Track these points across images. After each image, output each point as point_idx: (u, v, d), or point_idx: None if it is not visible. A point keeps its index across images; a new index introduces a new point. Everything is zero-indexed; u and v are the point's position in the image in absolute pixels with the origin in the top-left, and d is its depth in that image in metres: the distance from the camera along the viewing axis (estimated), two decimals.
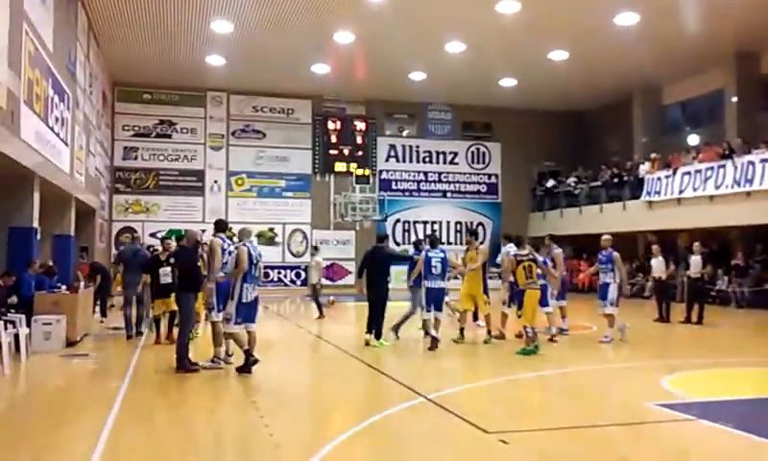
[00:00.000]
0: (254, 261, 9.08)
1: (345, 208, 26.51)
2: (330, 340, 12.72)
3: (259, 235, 27.47)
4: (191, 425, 6.53)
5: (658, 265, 16.23)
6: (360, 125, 28.30)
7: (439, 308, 11.63)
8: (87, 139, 19.94)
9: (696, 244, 16.23)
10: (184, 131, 27.20)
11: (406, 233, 29.17)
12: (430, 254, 11.67)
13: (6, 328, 9.30)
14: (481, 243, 14.56)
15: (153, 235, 25.80)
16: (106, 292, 15.90)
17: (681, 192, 21.03)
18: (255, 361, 8.92)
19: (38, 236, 13.23)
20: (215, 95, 27.35)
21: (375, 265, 11.82)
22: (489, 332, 12.10)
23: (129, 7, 19.03)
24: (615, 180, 24.74)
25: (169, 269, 11.49)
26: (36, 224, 13.00)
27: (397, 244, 28.29)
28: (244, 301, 8.99)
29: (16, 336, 9.63)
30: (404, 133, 29.69)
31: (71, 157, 16.98)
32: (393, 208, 28.69)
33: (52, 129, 14.31)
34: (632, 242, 25.49)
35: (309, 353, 12.18)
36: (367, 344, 11.47)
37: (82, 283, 13.03)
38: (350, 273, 27.05)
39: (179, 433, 6.23)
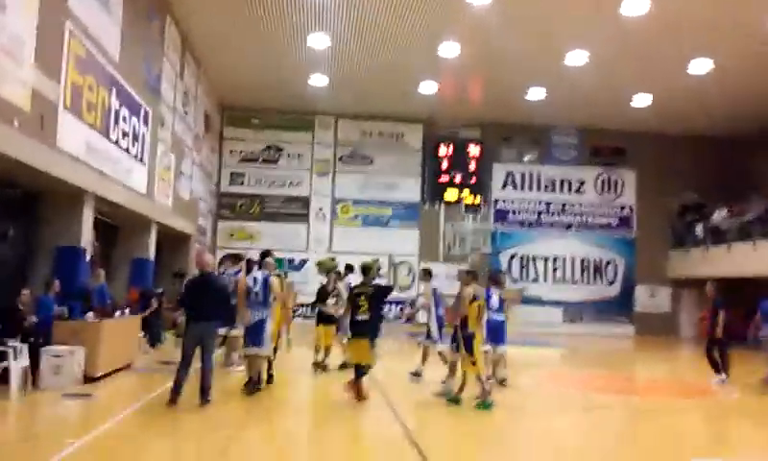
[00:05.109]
0: (253, 289, 9.59)
1: (453, 240, 24.34)
2: (390, 387, 10.50)
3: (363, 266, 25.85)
4: None
5: None
6: (474, 150, 26.02)
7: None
8: (179, 161, 19.24)
9: None
10: (291, 156, 26.27)
11: (524, 270, 26.40)
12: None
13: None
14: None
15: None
16: (158, 319, 14.72)
17: None
18: (255, 388, 9.42)
19: (87, 257, 12.18)
20: (323, 119, 26.26)
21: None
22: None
23: (224, 25, 18.25)
24: None
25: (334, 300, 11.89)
26: (83, 244, 11.95)
27: (514, 281, 25.63)
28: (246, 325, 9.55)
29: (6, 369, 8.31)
30: (525, 159, 27.04)
31: (149, 177, 16.15)
32: (508, 241, 26.17)
33: (116, 142, 13.40)
34: None
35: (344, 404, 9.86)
36: None
37: (122, 311, 11.77)
38: None
39: None
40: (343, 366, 11.90)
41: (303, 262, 25.22)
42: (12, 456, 6.17)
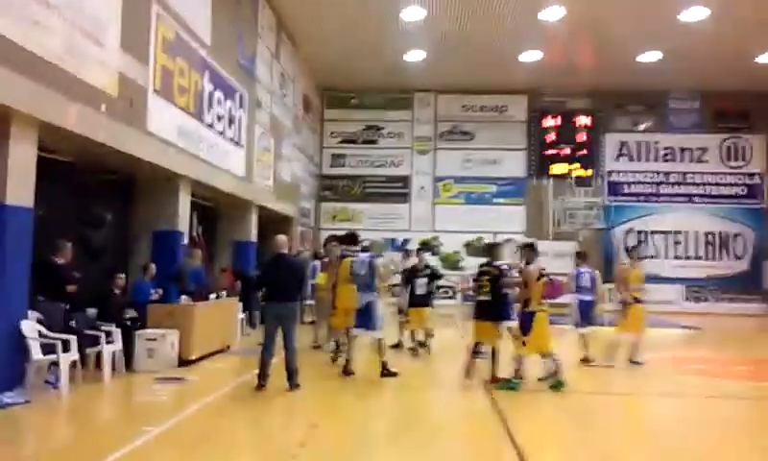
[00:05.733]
0: (355, 273, 9.46)
1: (563, 216, 23.13)
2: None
3: (467, 245, 25.13)
4: None
5: None
6: (583, 120, 24.56)
7: None
8: (278, 144, 19.22)
9: None
10: (391, 135, 25.86)
11: (642, 245, 24.72)
12: None
13: (82, 346, 8.04)
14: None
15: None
16: (255, 301, 14.65)
17: None
18: (349, 371, 9.30)
19: (184, 240, 12.23)
20: (422, 96, 25.62)
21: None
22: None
23: (316, 3, 17.98)
24: None
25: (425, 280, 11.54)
26: (180, 227, 12.00)
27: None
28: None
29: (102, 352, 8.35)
30: (639, 128, 25.27)
31: (247, 160, 16.16)
32: (623, 215, 24.62)
33: (210, 126, 13.39)
34: None
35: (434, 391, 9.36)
36: None
37: (217, 294, 11.73)
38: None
39: None
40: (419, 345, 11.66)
41: (406, 242, 24.78)
42: (90, 439, 6.07)
